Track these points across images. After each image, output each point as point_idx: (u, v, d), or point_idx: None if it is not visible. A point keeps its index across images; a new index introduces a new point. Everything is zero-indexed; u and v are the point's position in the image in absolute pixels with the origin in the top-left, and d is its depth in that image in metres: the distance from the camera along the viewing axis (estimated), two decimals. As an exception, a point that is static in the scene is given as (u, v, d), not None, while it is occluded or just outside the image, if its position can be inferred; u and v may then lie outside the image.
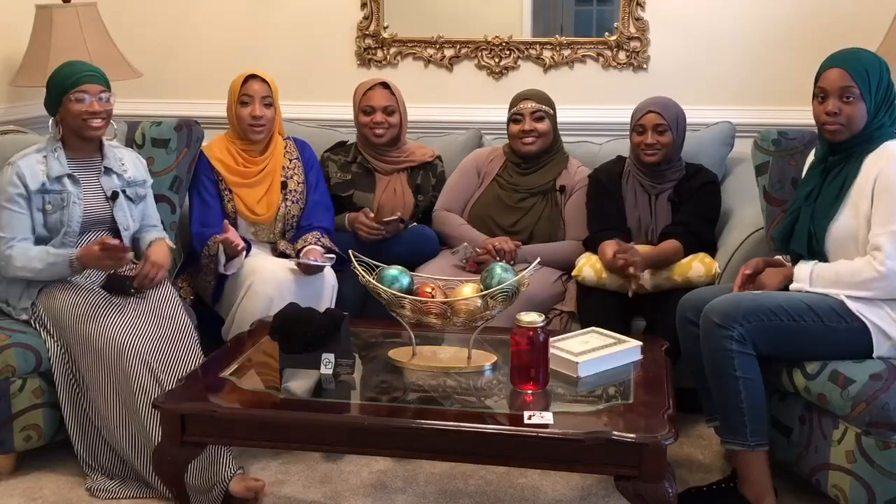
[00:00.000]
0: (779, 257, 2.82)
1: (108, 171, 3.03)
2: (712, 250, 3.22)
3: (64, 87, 2.91)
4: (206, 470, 2.66)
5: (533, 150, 3.44)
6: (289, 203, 3.38)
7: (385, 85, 3.57)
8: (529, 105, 3.42)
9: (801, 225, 2.67)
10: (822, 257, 2.63)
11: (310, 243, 3.24)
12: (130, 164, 3.10)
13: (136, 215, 3.09)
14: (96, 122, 2.94)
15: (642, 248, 3.14)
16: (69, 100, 2.91)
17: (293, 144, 3.49)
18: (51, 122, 2.96)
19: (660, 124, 3.19)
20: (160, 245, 3.06)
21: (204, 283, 3.21)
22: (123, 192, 3.04)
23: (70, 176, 2.95)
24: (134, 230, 3.07)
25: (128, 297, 2.92)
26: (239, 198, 3.33)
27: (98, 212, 3.00)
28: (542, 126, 3.43)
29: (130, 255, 2.96)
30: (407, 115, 3.61)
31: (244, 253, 3.16)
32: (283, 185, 3.37)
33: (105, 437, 2.82)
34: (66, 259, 2.88)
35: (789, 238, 2.71)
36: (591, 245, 3.24)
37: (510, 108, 3.47)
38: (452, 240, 3.44)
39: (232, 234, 3.12)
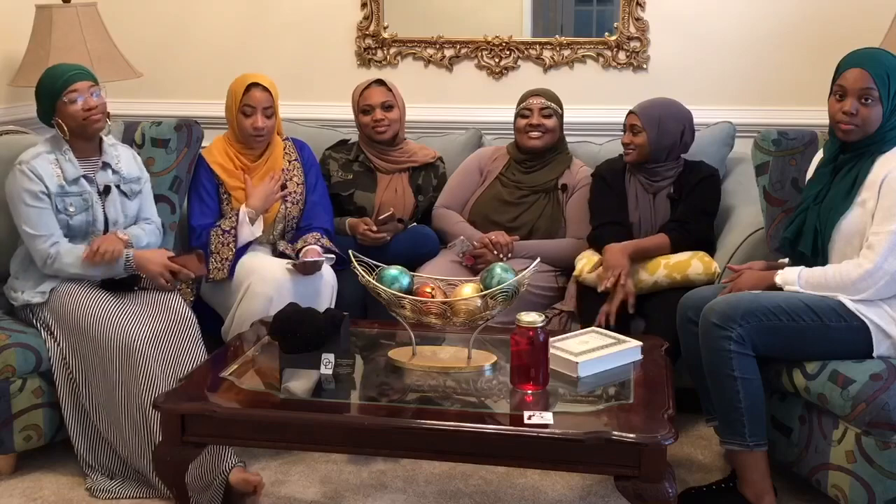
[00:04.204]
0: (782, 261, 2.82)
1: (105, 165, 3.02)
2: (710, 248, 3.22)
3: (54, 90, 2.89)
4: (207, 463, 2.67)
5: (539, 145, 3.45)
6: (288, 204, 3.37)
7: (381, 82, 3.57)
8: (539, 101, 3.44)
9: (809, 225, 2.67)
10: (825, 257, 2.63)
11: (309, 244, 3.24)
12: (125, 160, 3.09)
13: (131, 211, 3.08)
14: (96, 117, 2.93)
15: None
16: (63, 102, 2.89)
17: (292, 145, 3.49)
18: (55, 123, 2.93)
19: (634, 125, 3.24)
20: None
21: (217, 262, 3.18)
22: (117, 186, 3.03)
23: (85, 177, 2.96)
24: (123, 226, 3.04)
25: (128, 292, 2.95)
26: (238, 201, 3.33)
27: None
28: (550, 122, 3.45)
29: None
30: (405, 110, 3.61)
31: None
32: (283, 187, 3.37)
33: (106, 437, 2.83)
34: (120, 260, 2.90)
35: (799, 239, 2.71)
36: (594, 241, 3.25)
37: (518, 104, 3.49)
38: (449, 236, 3.45)
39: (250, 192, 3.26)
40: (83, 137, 2.97)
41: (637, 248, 3.11)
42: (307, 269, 3.11)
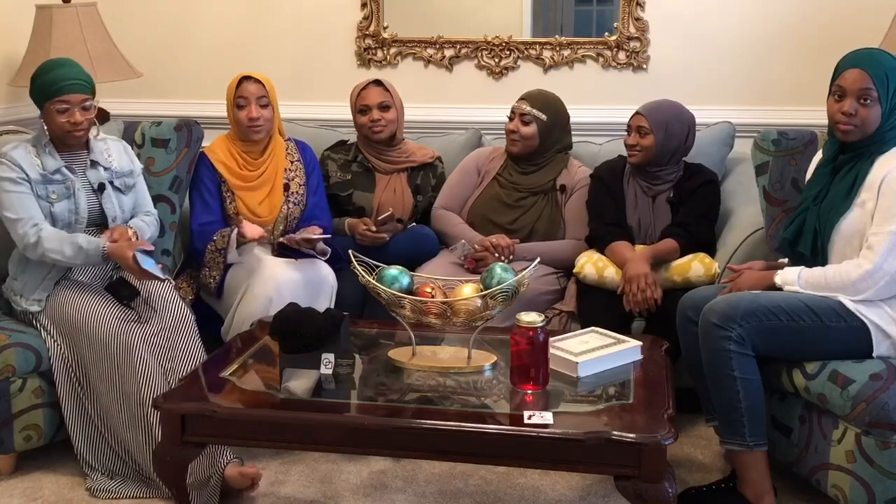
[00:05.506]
0: (782, 261, 2.82)
1: (94, 164, 3.01)
2: (711, 250, 3.22)
3: (48, 93, 2.87)
4: (204, 460, 2.67)
5: (514, 150, 3.45)
6: (290, 205, 3.38)
7: (378, 82, 3.57)
8: (522, 106, 3.42)
9: (809, 225, 2.67)
10: (825, 258, 2.63)
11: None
12: (116, 154, 3.07)
13: (127, 205, 3.07)
14: (78, 133, 2.92)
15: (639, 248, 3.15)
16: (51, 109, 2.88)
17: (294, 146, 3.49)
18: (42, 120, 2.93)
19: (642, 126, 3.22)
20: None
21: (208, 278, 3.20)
22: (111, 183, 3.02)
23: (68, 167, 2.95)
24: (122, 221, 3.04)
25: (121, 303, 2.94)
26: (241, 200, 3.33)
27: (88, 205, 2.99)
28: (526, 130, 3.41)
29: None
30: (403, 111, 3.61)
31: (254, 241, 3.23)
32: (286, 187, 3.37)
33: (106, 436, 2.83)
34: (98, 249, 2.87)
35: (798, 240, 2.71)
36: (594, 241, 3.24)
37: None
38: (449, 238, 3.45)
39: (246, 227, 3.17)
40: (62, 143, 2.96)
41: (655, 253, 3.10)
42: (311, 245, 3.14)
